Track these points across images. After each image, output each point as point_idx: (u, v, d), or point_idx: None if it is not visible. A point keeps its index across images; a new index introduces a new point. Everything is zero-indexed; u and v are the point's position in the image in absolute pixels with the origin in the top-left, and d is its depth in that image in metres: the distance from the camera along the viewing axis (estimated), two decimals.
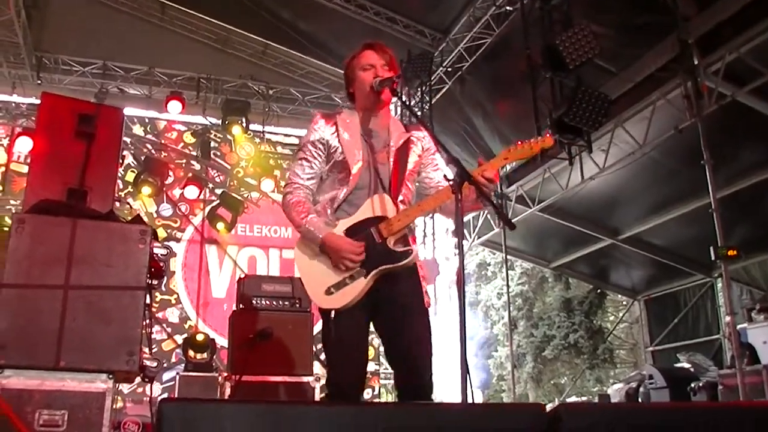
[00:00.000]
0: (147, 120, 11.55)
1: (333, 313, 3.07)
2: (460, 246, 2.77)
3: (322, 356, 8.26)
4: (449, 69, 10.59)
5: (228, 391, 5.72)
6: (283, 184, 11.58)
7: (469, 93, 10.78)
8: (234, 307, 6.42)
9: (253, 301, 6.07)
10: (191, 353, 7.68)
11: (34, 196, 4.00)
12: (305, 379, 5.88)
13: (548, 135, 3.17)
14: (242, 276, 6.83)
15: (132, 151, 11.01)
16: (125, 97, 11.07)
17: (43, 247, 3.70)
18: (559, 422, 2.03)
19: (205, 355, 7.71)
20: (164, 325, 10.54)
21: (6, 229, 10.44)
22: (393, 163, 3.28)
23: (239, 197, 11.27)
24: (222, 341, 9.18)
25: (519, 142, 3.20)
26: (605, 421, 2.16)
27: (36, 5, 10.46)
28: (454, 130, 11.11)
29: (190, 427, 1.73)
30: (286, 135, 12.38)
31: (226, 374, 6.11)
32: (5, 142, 10.78)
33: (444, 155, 2.94)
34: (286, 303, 6.10)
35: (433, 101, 10.72)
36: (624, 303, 16.83)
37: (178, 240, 11.09)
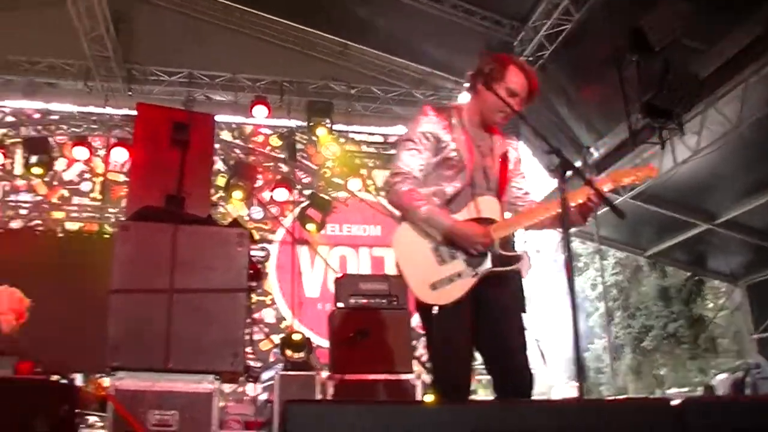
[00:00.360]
0: (234, 125, 11.76)
1: (436, 309, 3.02)
2: (566, 239, 2.71)
3: (416, 353, 8.23)
4: (530, 58, 10.36)
5: (331, 390, 5.76)
6: (369, 182, 11.74)
7: (552, 81, 10.54)
8: (330, 307, 6.47)
9: (351, 300, 6.10)
10: (288, 352, 7.76)
11: (135, 203, 4.12)
12: (405, 377, 5.88)
13: (651, 167, 3.22)
14: (339, 275, 6.87)
15: (221, 157, 11.24)
16: (212, 104, 11.27)
17: (147, 253, 3.80)
18: (684, 417, 1.94)
19: (302, 354, 7.78)
20: (261, 325, 10.72)
21: (107, 236, 10.84)
22: (499, 167, 3.29)
23: (328, 197, 11.35)
24: (317, 340, 9.26)
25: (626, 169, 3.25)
26: (732, 416, 2.05)
27: (123, 20, 10.74)
28: (538, 121, 10.91)
29: (317, 427, 1.73)
30: (369, 134, 12.40)
31: (328, 373, 6.16)
32: (102, 152, 11.16)
33: (546, 146, 2.88)
34: (383, 301, 6.11)
35: None
36: (724, 289, 16.21)
37: (270, 242, 11.27)
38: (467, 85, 3.53)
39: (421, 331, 3.30)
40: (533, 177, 10.66)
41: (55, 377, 3.78)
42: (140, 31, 11.03)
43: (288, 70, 11.48)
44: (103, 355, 3.78)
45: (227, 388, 9.60)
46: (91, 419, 5.40)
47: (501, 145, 3.35)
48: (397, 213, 3.26)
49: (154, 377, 3.72)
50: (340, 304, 6.18)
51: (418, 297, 3.06)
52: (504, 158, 3.32)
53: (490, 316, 3.08)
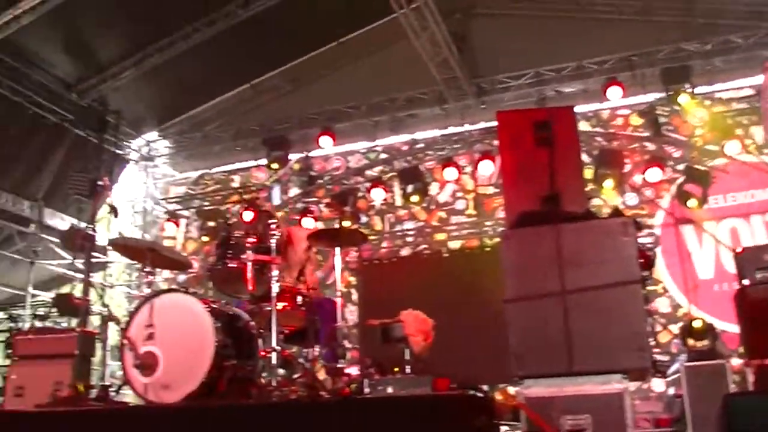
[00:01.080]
0: (590, 113, 11.51)
1: None
2: None
3: None
4: None
5: (751, 378, 5.27)
6: (749, 142, 10.65)
7: None
8: (731, 286, 5.95)
9: (758, 275, 5.52)
10: (691, 342, 7.34)
11: (513, 210, 4.17)
12: None
13: None
14: (737, 250, 6.28)
15: (584, 148, 11.02)
16: (563, 98, 11.17)
17: (533, 258, 3.83)
18: None
19: (706, 341, 7.31)
20: (656, 316, 10.25)
21: (487, 249, 11.27)
22: None
23: (704, 168, 10.53)
24: (720, 324, 8.61)
25: None
26: None
27: (462, 39, 11.16)
28: None
29: (763, 419, 1.55)
30: (737, 88, 11.23)
31: (741, 360, 5.66)
32: (468, 169, 11.67)
33: None
34: None
35: None
36: None
37: (650, 227, 10.75)
38: None
39: None
40: None
41: (468, 391, 3.95)
42: (479, 44, 11.39)
43: (632, 42, 10.93)
44: (505, 365, 3.86)
45: (632, 385, 9.32)
46: (504, 429, 5.55)
47: None
48: None
49: (561, 382, 3.72)
50: (746, 281, 5.63)
51: None
52: None
53: None
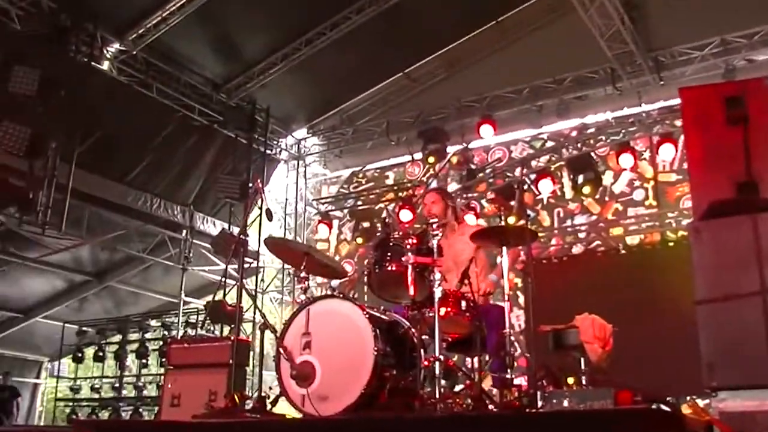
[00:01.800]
0: None
1: None
2: None
3: None
4: None
5: None
6: None
7: None
8: None
9: None
10: None
11: (701, 199, 3.99)
12: None
13: None
14: None
15: None
16: (755, 67, 10.48)
17: (726, 253, 3.66)
18: None
19: None
20: None
21: (671, 244, 10.83)
22: None
23: None
24: None
25: None
26: None
27: (635, 7, 10.75)
28: None
29: None
30: None
31: None
32: (647, 155, 11.30)
33: None
34: None
35: None
36: None
37: None
38: None
39: None
40: None
41: (654, 405, 3.83)
42: (655, 12, 10.91)
43: None
44: (695, 375, 3.73)
45: None
46: None
47: None
48: None
49: (762, 395, 3.54)
50: None
51: None
52: None
53: None
